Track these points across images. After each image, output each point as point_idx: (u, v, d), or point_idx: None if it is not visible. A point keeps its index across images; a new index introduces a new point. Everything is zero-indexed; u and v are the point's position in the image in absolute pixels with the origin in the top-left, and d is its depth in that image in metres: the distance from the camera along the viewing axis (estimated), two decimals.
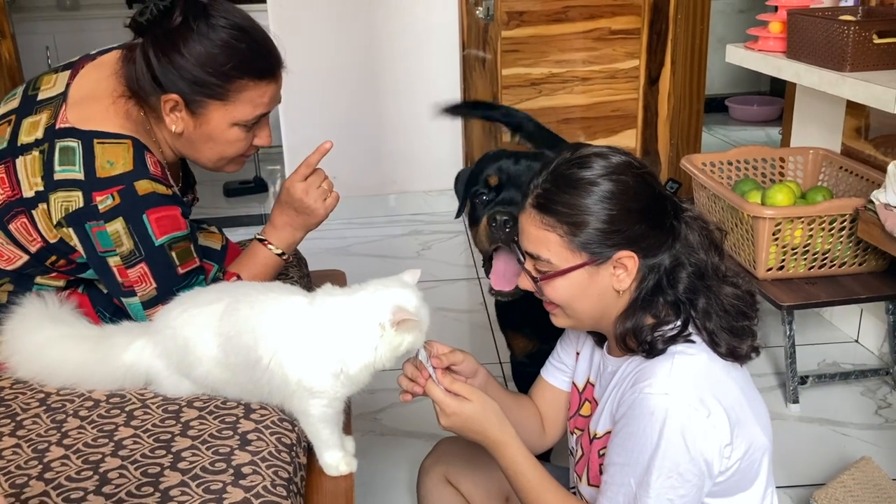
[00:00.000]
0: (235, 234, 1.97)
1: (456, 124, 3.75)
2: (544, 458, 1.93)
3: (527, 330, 1.74)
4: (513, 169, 1.54)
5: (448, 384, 1.20)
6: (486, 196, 1.55)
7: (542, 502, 1.19)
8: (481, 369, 1.34)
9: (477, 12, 3.27)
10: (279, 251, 1.54)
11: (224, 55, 1.35)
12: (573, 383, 1.38)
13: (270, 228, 1.55)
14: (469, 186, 1.60)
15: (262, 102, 1.41)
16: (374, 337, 1.17)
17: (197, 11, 1.33)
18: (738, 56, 2.49)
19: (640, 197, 1.14)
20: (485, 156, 1.63)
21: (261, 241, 1.55)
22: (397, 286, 1.21)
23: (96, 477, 1.11)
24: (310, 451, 1.27)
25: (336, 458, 1.25)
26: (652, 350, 1.13)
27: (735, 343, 1.14)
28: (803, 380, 2.33)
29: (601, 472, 1.18)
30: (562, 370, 1.41)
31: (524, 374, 1.83)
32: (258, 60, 1.39)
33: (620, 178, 1.13)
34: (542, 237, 1.15)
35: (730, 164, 2.55)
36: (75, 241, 1.36)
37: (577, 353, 1.37)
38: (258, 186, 4.19)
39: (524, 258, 1.21)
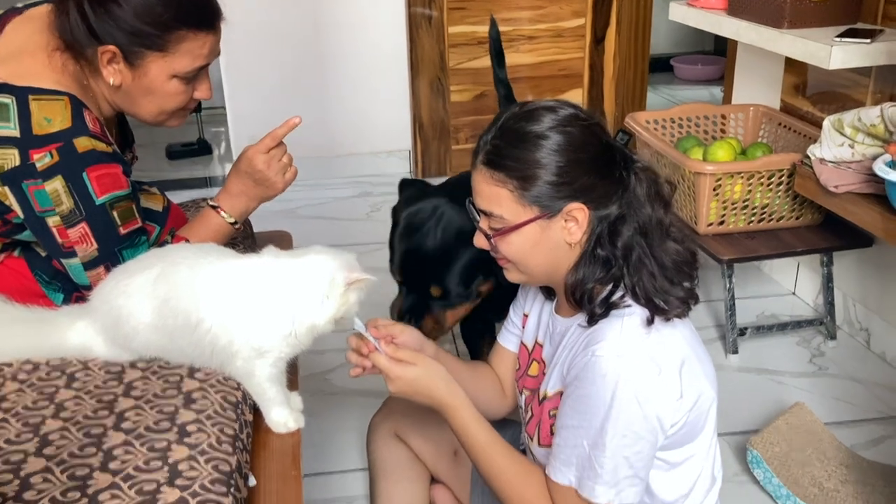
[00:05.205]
0: (179, 197, 1.92)
1: (404, 84, 3.71)
2: None
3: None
4: (412, 264, 1.57)
5: (392, 352, 1.22)
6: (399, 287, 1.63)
7: (493, 464, 1.21)
8: (428, 342, 1.36)
9: None
10: (232, 219, 1.52)
11: (162, 5, 1.32)
12: (522, 343, 1.40)
13: (225, 195, 1.53)
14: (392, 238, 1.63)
15: (201, 54, 1.39)
16: (324, 294, 1.18)
17: None
18: (681, 13, 2.51)
19: (589, 148, 1.14)
20: (402, 201, 1.65)
21: (214, 207, 1.52)
22: (341, 252, 1.23)
23: (37, 439, 1.09)
24: (256, 409, 1.27)
25: (283, 415, 1.25)
26: (592, 316, 1.15)
27: (663, 302, 1.13)
28: (742, 331, 2.40)
29: (552, 433, 1.20)
30: (515, 334, 1.42)
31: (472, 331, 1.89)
32: (197, 10, 1.37)
33: (568, 129, 1.13)
34: (493, 193, 1.16)
35: (672, 121, 2.58)
36: (11, 201, 1.32)
37: (525, 316, 1.39)
38: (202, 149, 4.09)
39: (479, 216, 1.21)
